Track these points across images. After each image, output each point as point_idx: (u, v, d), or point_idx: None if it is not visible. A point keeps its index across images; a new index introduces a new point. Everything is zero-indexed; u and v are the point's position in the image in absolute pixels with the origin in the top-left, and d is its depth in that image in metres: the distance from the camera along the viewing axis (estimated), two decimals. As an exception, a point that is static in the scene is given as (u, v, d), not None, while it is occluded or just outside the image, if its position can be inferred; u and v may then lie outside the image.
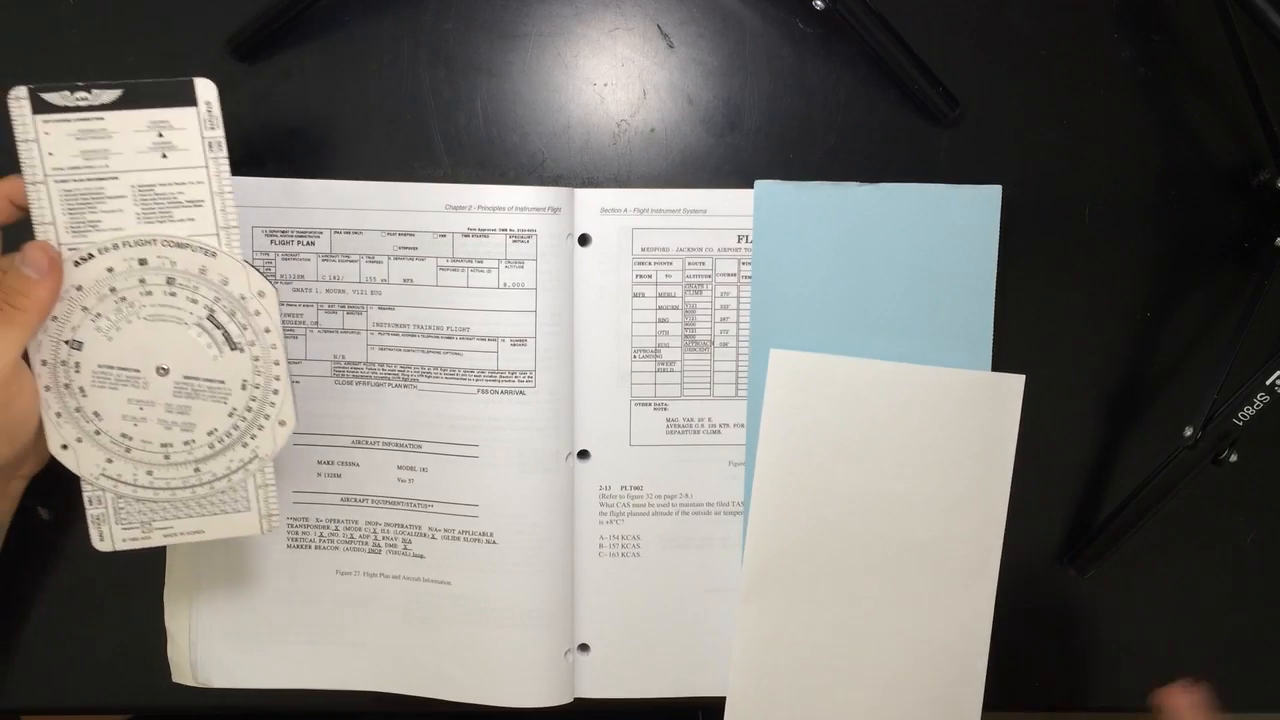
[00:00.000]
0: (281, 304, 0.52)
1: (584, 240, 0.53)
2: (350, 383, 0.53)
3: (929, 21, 0.55)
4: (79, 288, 0.45)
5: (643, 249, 0.53)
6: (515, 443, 0.53)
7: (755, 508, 0.55)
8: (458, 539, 0.54)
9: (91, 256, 0.44)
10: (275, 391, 0.47)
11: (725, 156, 0.55)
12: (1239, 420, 0.51)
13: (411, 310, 0.52)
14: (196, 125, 0.44)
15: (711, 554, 0.56)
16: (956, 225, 0.54)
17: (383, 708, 0.57)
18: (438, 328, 0.52)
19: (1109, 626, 0.58)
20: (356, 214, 0.52)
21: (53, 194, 0.44)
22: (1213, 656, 0.58)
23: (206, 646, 0.55)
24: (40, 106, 0.43)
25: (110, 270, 0.45)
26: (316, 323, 0.53)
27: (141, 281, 0.45)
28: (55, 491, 0.50)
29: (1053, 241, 0.56)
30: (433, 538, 0.54)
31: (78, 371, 0.45)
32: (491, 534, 0.53)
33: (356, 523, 0.55)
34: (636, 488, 0.55)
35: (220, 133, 0.44)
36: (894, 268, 0.54)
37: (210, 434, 0.47)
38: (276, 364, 0.46)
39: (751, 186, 0.53)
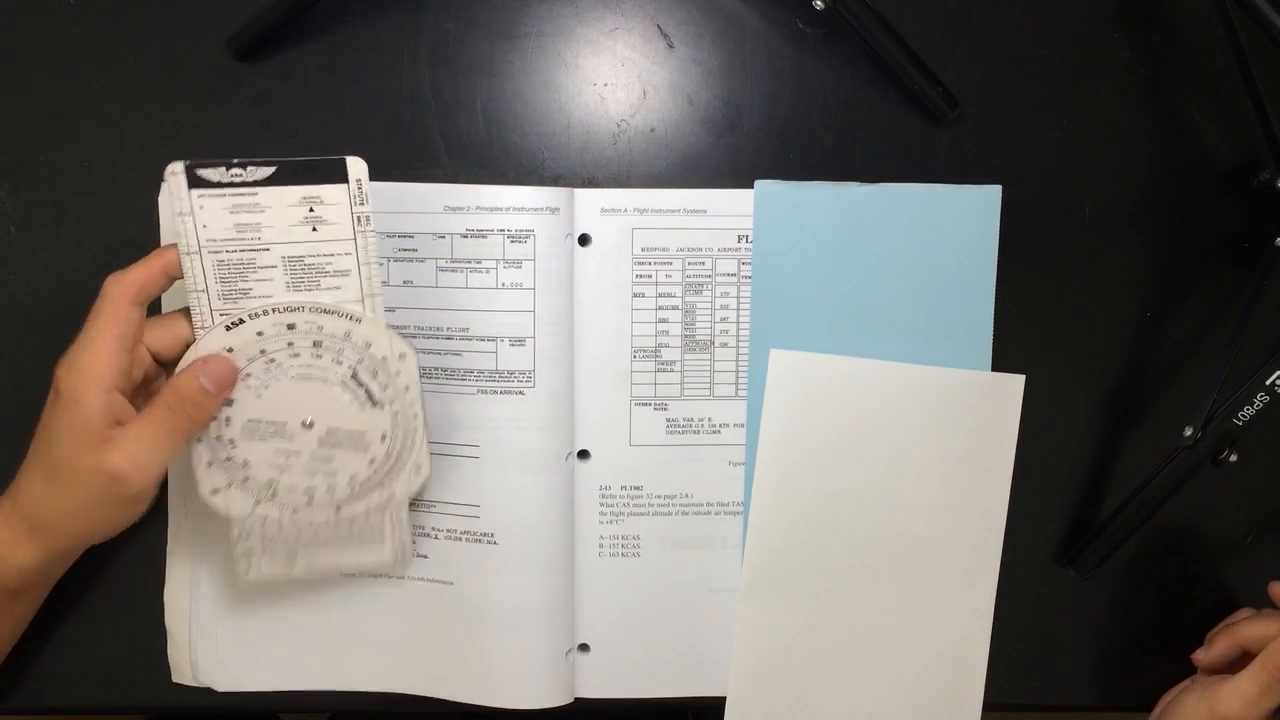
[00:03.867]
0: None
1: (584, 240, 0.53)
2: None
3: (929, 21, 0.55)
4: (230, 349, 0.47)
5: (643, 249, 0.53)
6: (515, 443, 0.53)
7: (755, 508, 0.55)
8: (459, 539, 0.54)
9: (242, 322, 0.47)
10: (413, 442, 0.49)
11: (725, 156, 0.55)
12: (1239, 420, 0.51)
13: (411, 311, 0.52)
14: (347, 201, 0.46)
15: (711, 554, 0.56)
16: (956, 225, 0.54)
17: (383, 708, 0.57)
18: (437, 328, 0.52)
19: (1109, 626, 0.58)
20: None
21: (206, 264, 0.46)
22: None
23: (207, 647, 0.55)
24: (195, 182, 0.45)
25: (260, 334, 0.47)
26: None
27: (290, 345, 0.47)
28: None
29: (1053, 241, 0.56)
30: (434, 538, 0.54)
31: (228, 425, 0.48)
32: (492, 534, 0.53)
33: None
34: (636, 488, 0.55)
35: (369, 208, 0.46)
36: (894, 268, 0.54)
37: (350, 479, 0.49)
38: (415, 416, 0.49)
39: (751, 186, 0.53)
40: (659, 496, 0.55)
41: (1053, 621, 0.58)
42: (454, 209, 0.51)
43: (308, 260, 0.47)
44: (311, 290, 0.47)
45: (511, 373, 0.52)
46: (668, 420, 0.55)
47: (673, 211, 0.53)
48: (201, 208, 0.45)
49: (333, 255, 0.47)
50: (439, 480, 0.53)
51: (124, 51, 0.54)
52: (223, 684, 0.56)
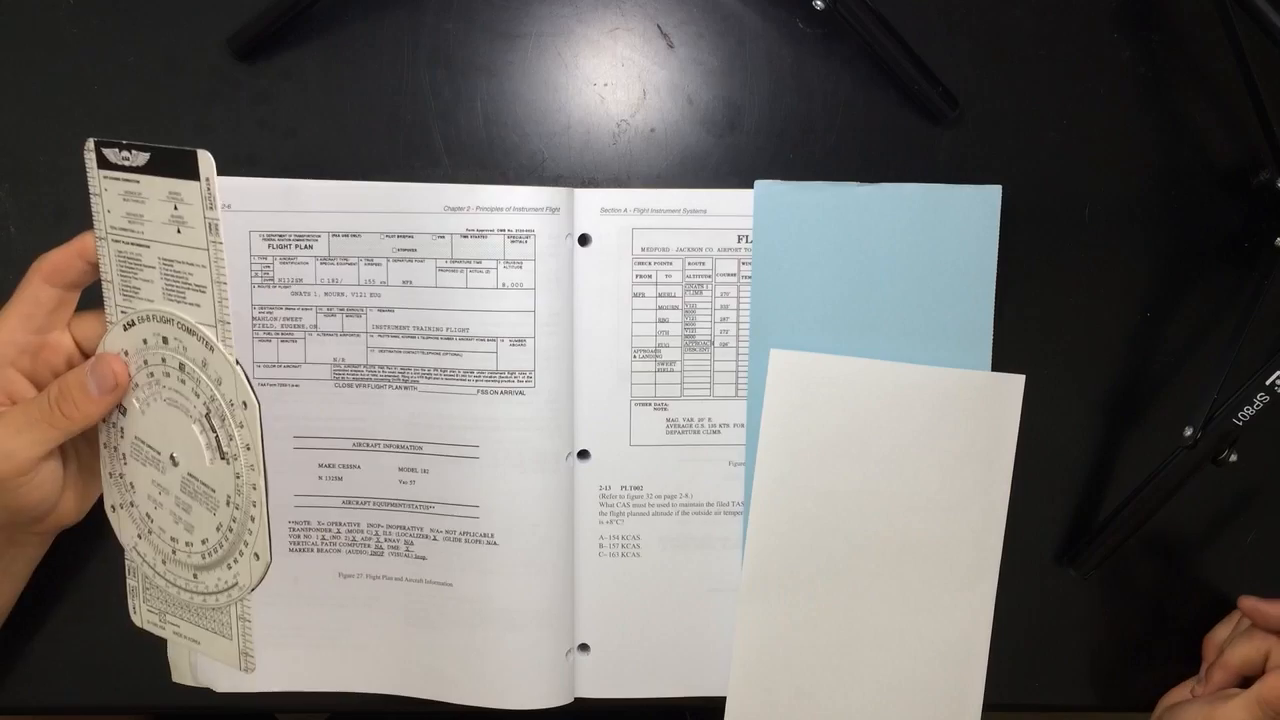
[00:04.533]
0: (280, 308, 0.52)
1: (584, 240, 0.53)
2: (350, 385, 0.53)
3: (929, 21, 0.54)
4: (126, 352, 0.43)
5: (643, 249, 0.53)
6: (515, 443, 0.53)
7: (755, 508, 0.55)
8: (459, 540, 0.54)
9: (133, 324, 0.43)
10: (252, 519, 0.45)
11: (725, 156, 0.55)
12: (1239, 420, 0.51)
13: (411, 312, 0.52)
14: (199, 202, 0.42)
15: (711, 554, 0.56)
16: (956, 225, 0.54)
17: (383, 709, 0.57)
18: (437, 329, 0.52)
19: (1109, 626, 0.58)
20: (354, 216, 0.52)
21: (110, 253, 0.43)
22: (1212, 656, 0.58)
23: (207, 647, 0.55)
24: (101, 160, 0.42)
25: (145, 342, 0.43)
26: (315, 326, 0.53)
27: (163, 361, 0.43)
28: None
29: (1053, 241, 0.56)
30: (434, 539, 0.54)
31: (122, 437, 0.45)
32: (492, 535, 0.53)
33: (358, 525, 0.55)
34: (636, 488, 0.55)
35: (218, 215, 0.41)
36: (894, 268, 0.54)
37: (204, 543, 0.45)
38: (254, 488, 0.44)
39: (751, 186, 0.53)
40: (659, 496, 0.55)
41: (1053, 621, 0.58)
42: (454, 209, 0.51)
43: (176, 266, 0.42)
44: (179, 303, 0.42)
45: (511, 373, 0.52)
46: (668, 420, 0.55)
47: (673, 211, 0.53)
48: (106, 189, 0.42)
49: (192, 266, 0.42)
50: (439, 481, 0.53)
51: (124, 51, 0.54)
52: (222, 684, 0.56)
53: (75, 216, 0.53)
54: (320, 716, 0.65)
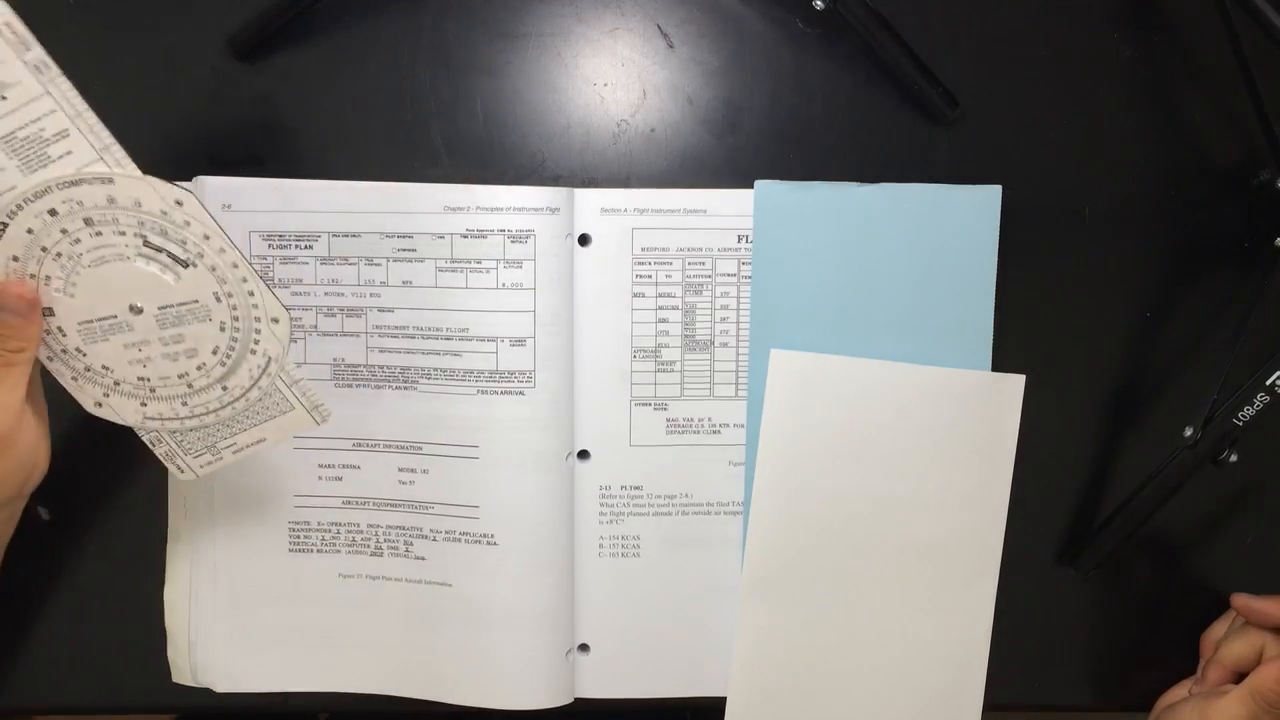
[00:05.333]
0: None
1: (584, 240, 0.53)
2: (350, 385, 0.53)
3: (929, 21, 0.54)
4: (15, 258, 0.42)
5: (643, 249, 0.53)
6: (515, 443, 0.53)
7: (755, 508, 0.55)
8: (458, 540, 0.54)
9: (5, 225, 0.41)
10: (250, 293, 0.44)
11: (725, 156, 0.55)
12: (1239, 420, 0.51)
13: (411, 312, 0.52)
14: (12, 53, 0.40)
15: (712, 554, 0.56)
16: (956, 225, 0.54)
17: (383, 709, 0.57)
18: (437, 329, 0.52)
19: (1109, 626, 0.58)
20: (354, 216, 0.52)
21: None
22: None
23: (207, 648, 0.55)
24: None
25: (30, 231, 0.42)
26: (315, 326, 0.53)
27: (64, 232, 0.42)
28: (55, 492, 0.50)
29: (1053, 241, 0.56)
30: (434, 540, 0.54)
31: (64, 336, 0.43)
32: (492, 535, 0.53)
33: (358, 525, 0.55)
34: (636, 488, 0.55)
35: (39, 51, 0.40)
36: (894, 268, 0.54)
37: (215, 353, 0.44)
38: (235, 266, 0.43)
39: (751, 186, 0.53)
40: (659, 496, 0.55)
41: (1053, 621, 0.58)
42: (454, 209, 0.51)
43: (20, 135, 0.40)
44: (47, 166, 0.41)
45: (511, 373, 0.52)
46: (668, 420, 0.55)
47: (673, 211, 0.53)
48: None
49: (39, 118, 0.40)
50: (439, 481, 0.53)
51: (124, 51, 0.54)
52: (222, 684, 0.56)
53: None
54: (320, 717, 0.65)
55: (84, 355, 0.44)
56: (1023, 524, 0.56)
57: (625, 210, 0.53)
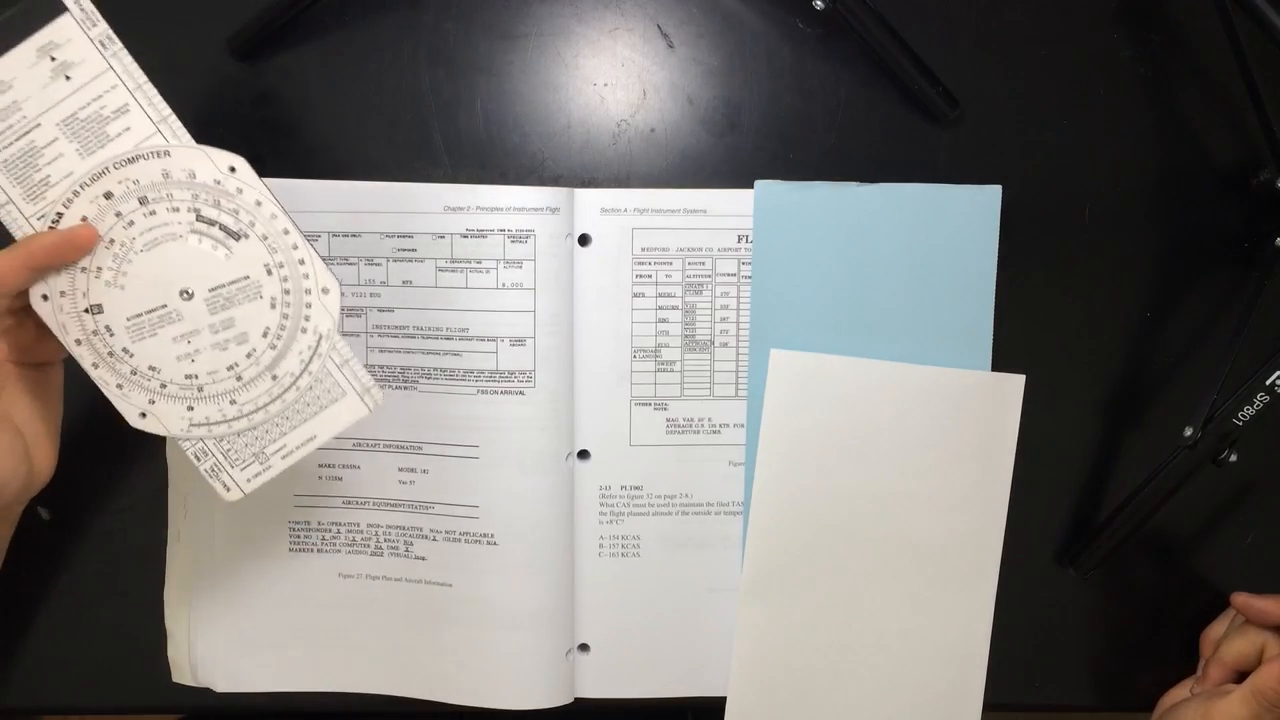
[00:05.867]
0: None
1: (584, 240, 0.53)
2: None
3: (929, 21, 0.54)
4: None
5: (643, 249, 0.53)
6: (515, 443, 0.53)
7: (755, 508, 0.55)
8: (458, 540, 0.54)
9: (61, 215, 0.42)
10: (301, 261, 0.43)
11: (725, 156, 0.55)
12: (1239, 420, 0.51)
13: (411, 312, 0.52)
14: (79, 30, 0.41)
15: (711, 554, 0.56)
16: (956, 225, 0.54)
17: (383, 709, 0.57)
18: (437, 329, 0.52)
19: (1109, 626, 0.58)
20: (354, 216, 0.52)
21: None
22: (1212, 656, 0.58)
23: (207, 648, 0.55)
24: None
25: (86, 219, 0.42)
26: (316, 324, 0.53)
27: (118, 215, 0.42)
28: (55, 492, 0.50)
29: (1053, 241, 0.56)
30: (434, 539, 0.54)
31: (112, 335, 0.43)
32: (492, 535, 0.53)
33: (358, 525, 0.55)
34: (636, 488, 0.55)
35: (104, 27, 0.41)
36: (894, 268, 0.54)
37: (265, 335, 0.44)
38: (286, 232, 0.43)
39: (751, 186, 0.53)
40: (659, 496, 0.55)
41: (1053, 621, 0.58)
42: (454, 209, 0.51)
43: (81, 115, 0.41)
44: (105, 146, 0.41)
45: (511, 373, 0.52)
46: (668, 420, 0.55)
47: (673, 211, 0.53)
48: None
49: (100, 96, 0.41)
50: (439, 481, 0.53)
51: (124, 51, 0.54)
52: (222, 684, 0.56)
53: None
54: None
55: (131, 356, 0.43)
56: (1023, 524, 0.56)
57: (625, 210, 0.53)
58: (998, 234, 0.54)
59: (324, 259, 0.45)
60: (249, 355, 0.44)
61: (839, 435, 0.54)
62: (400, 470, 0.54)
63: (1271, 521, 0.58)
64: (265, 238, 0.43)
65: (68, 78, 0.41)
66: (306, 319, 0.44)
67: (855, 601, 0.55)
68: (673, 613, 0.56)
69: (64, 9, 0.40)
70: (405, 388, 0.53)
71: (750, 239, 0.53)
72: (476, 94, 0.54)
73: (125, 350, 0.43)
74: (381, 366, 0.53)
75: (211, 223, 0.43)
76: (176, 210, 0.42)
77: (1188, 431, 0.52)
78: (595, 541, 0.55)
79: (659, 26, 0.54)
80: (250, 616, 0.55)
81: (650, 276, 0.54)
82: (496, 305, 0.52)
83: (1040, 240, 0.55)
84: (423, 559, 0.54)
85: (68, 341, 0.43)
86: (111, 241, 0.42)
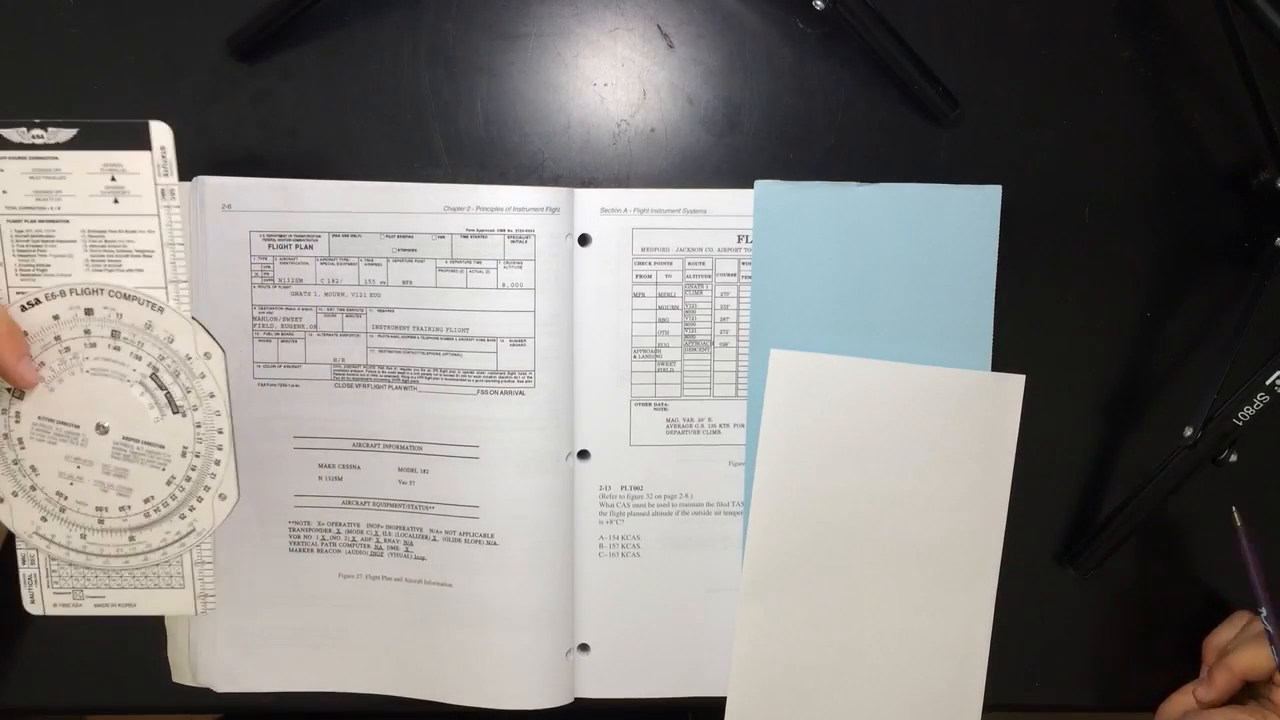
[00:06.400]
0: (280, 308, 0.52)
1: (584, 240, 0.53)
2: (350, 386, 0.53)
3: (929, 21, 0.54)
4: (26, 334, 0.43)
5: (643, 249, 0.53)
6: (515, 443, 0.53)
7: (755, 508, 0.55)
8: (458, 540, 0.54)
9: (38, 302, 0.43)
10: (217, 462, 0.45)
11: (725, 156, 0.55)
12: (1239, 420, 0.51)
13: (411, 312, 0.52)
14: (150, 171, 0.43)
15: (711, 554, 0.56)
16: (956, 225, 0.54)
17: (383, 709, 0.57)
18: (437, 329, 0.52)
19: (1109, 626, 0.58)
20: (354, 216, 0.52)
21: (3, 233, 0.42)
22: (1212, 656, 0.58)
23: (207, 648, 0.55)
24: None
25: (56, 318, 0.43)
26: (315, 326, 0.53)
27: (86, 332, 0.43)
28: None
29: (1053, 241, 0.56)
30: (434, 539, 0.54)
31: (18, 422, 0.44)
32: (492, 535, 0.53)
33: (358, 525, 0.55)
34: (636, 488, 0.55)
35: (174, 180, 0.43)
36: (894, 268, 0.54)
37: (147, 501, 0.45)
38: (220, 432, 0.45)
39: (751, 186, 0.53)
40: (659, 496, 0.55)
41: (1053, 621, 0.58)
42: (454, 209, 0.51)
43: (109, 236, 0.43)
44: (112, 271, 0.43)
45: (511, 373, 0.52)
46: (668, 420, 0.55)
47: (673, 211, 0.53)
48: (2, 170, 0.42)
49: (135, 233, 0.43)
50: (439, 481, 0.53)
51: (124, 51, 0.54)
52: (222, 684, 0.56)
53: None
54: None
55: (21, 448, 0.44)
56: (1023, 524, 0.56)
57: (625, 210, 0.53)
58: (998, 234, 0.54)
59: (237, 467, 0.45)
60: (121, 509, 0.45)
61: (839, 435, 0.54)
62: (400, 470, 0.54)
63: (1272, 521, 0.58)
64: (199, 425, 0.44)
65: (116, 201, 0.43)
66: (191, 509, 0.45)
67: (855, 601, 0.55)
68: (673, 613, 0.56)
69: (149, 148, 0.42)
70: (405, 388, 0.53)
71: (750, 239, 0.54)
72: (476, 94, 0.54)
73: (20, 441, 0.44)
74: (381, 366, 0.53)
75: (161, 387, 0.44)
76: (139, 359, 0.44)
77: (1188, 431, 0.52)
78: (595, 541, 0.55)
79: (659, 26, 0.54)
80: (250, 617, 0.55)
81: (650, 276, 0.54)
82: (496, 305, 0.52)
83: (1040, 240, 0.55)
84: (423, 559, 0.54)
85: None
86: (67, 349, 0.43)
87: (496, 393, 0.52)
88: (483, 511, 0.53)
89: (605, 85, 0.54)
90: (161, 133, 0.43)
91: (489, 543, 0.53)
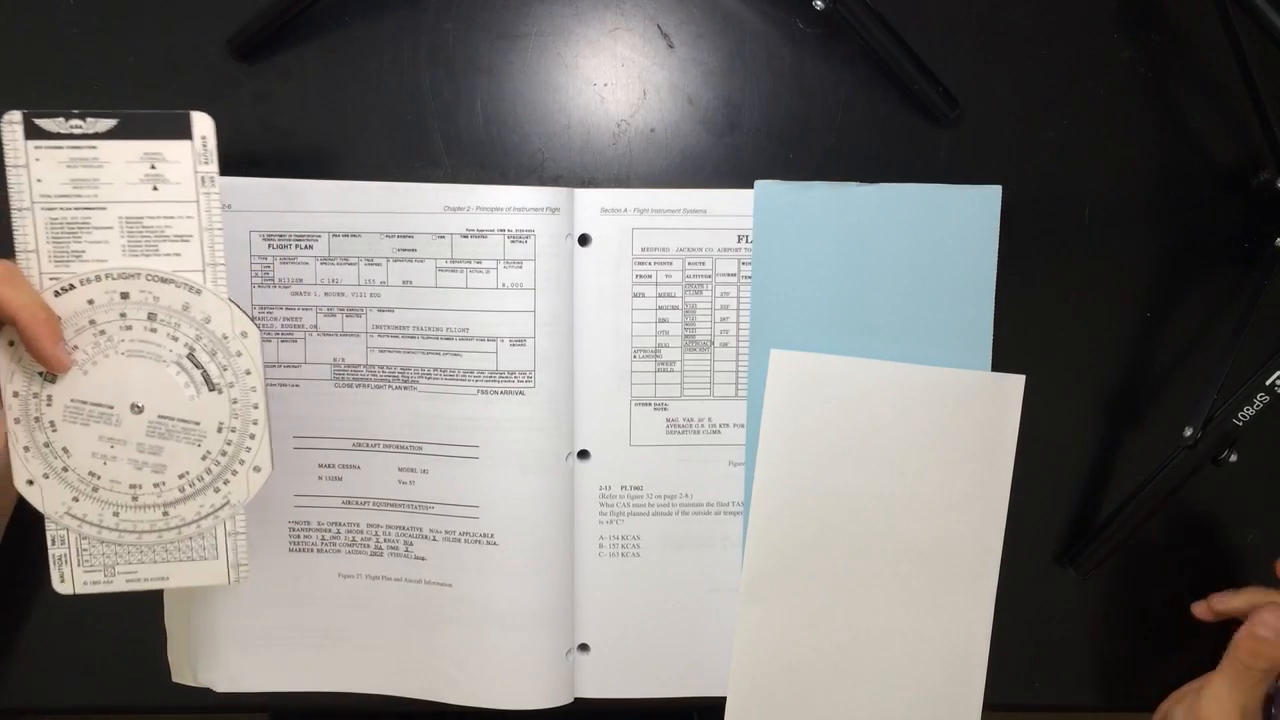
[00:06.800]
0: (280, 308, 0.52)
1: (584, 240, 0.53)
2: (350, 386, 0.53)
3: (929, 21, 0.54)
4: (58, 319, 0.43)
5: (643, 249, 0.53)
6: (515, 443, 0.53)
7: (755, 508, 0.55)
8: (458, 540, 0.54)
9: (73, 287, 0.43)
10: (252, 436, 0.46)
11: (725, 156, 0.55)
12: (1239, 420, 0.51)
13: (411, 312, 0.52)
14: (190, 159, 0.44)
15: (711, 554, 0.56)
16: (956, 225, 0.54)
17: (383, 709, 0.57)
18: (437, 329, 0.52)
19: (1109, 626, 0.58)
20: (354, 216, 0.52)
21: (38, 221, 0.43)
22: (1213, 657, 0.58)
23: (207, 648, 0.55)
24: (33, 132, 0.43)
25: (91, 302, 0.44)
26: (315, 326, 0.53)
27: (122, 315, 0.44)
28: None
29: (1053, 241, 0.56)
30: (434, 539, 0.54)
31: (49, 405, 0.44)
32: (492, 535, 0.53)
33: (358, 525, 0.55)
34: (636, 488, 0.55)
35: (214, 168, 0.44)
36: (894, 268, 0.54)
37: (182, 477, 0.45)
38: (255, 407, 0.45)
39: (751, 187, 0.53)
40: (659, 496, 0.55)
41: (1053, 621, 0.58)
42: (454, 209, 0.51)
43: (146, 222, 0.43)
44: (149, 256, 0.44)
45: (511, 373, 0.52)
46: (668, 420, 0.55)
47: (673, 211, 0.53)
48: (38, 160, 0.42)
49: (173, 218, 0.44)
50: (439, 481, 0.53)
51: (124, 51, 0.54)
52: (223, 684, 0.56)
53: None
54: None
55: (53, 430, 0.44)
56: (1022, 524, 0.56)
57: (625, 210, 0.53)
58: (997, 234, 0.54)
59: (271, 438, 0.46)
60: (156, 485, 0.45)
61: (839, 435, 0.54)
62: (400, 470, 0.54)
63: (1271, 521, 0.58)
64: (234, 401, 0.45)
65: (155, 189, 0.43)
66: (225, 483, 0.46)
67: (855, 601, 0.55)
68: (673, 613, 0.56)
69: (189, 137, 0.43)
70: (405, 388, 0.53)
71: (750, 239, 0.54)
72: (476, 94, 0.54)
73: (52, 424, 0.44)
74: (381, 366, 0.53)
75: (198, 365, 0.45)
76: (176, 339, 0.44)
77: (1188, 432, 0.52)
78: (595, 541, 0.55)
79: (659, 27, 0.54)
80: (250, 616, 0.55)
81: (650, 276, 0.54)
82: (496, 305, 0.52)
83: (1040, 240, 0.55)
84: (423, 559, 0.54)
85: (5, 389, 0.44)
86: (102, 332, 0.44)
87: (496, 393, 0.52)
88: (483, 511, 0.53)
89: (605, 85, 0.54)
90: (203, 123, 0.43)
91: (489, 543, 0.53)
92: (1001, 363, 0.55)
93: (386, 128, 0.54)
